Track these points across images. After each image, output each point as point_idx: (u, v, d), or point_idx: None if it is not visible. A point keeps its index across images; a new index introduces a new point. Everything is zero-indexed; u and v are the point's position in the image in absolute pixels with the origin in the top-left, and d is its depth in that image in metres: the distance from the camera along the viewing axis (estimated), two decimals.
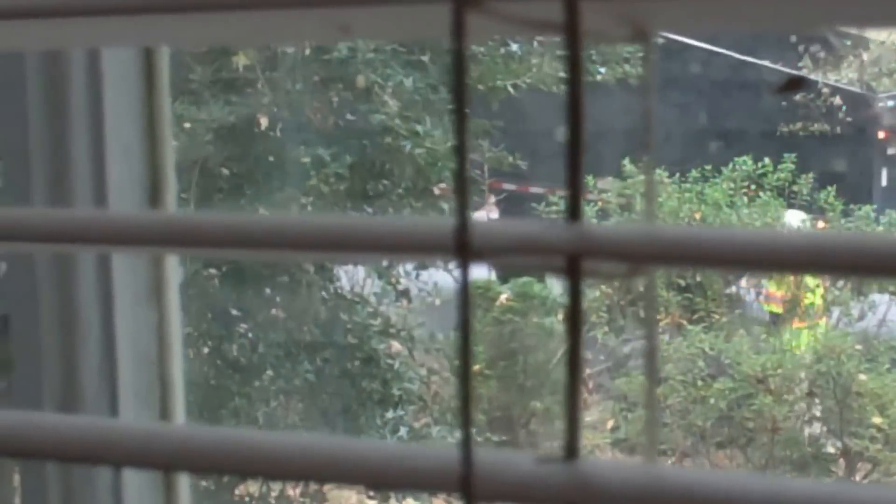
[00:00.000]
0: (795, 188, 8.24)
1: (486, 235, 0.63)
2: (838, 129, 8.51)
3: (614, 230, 0.63)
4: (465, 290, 0.65)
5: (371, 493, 6.99)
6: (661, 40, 8.32)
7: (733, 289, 8.41)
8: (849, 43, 9.12)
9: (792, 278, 7.55)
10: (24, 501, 1.23)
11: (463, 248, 0.63)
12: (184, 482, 1.22)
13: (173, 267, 1.22)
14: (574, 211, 0.62)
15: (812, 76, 8.74)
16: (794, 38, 9.21)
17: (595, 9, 0.62)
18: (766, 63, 8.85)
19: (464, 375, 0.64)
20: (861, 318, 8.10)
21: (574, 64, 0.62)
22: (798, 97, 8.51)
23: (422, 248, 0.67)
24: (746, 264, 0.62)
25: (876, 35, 9.23)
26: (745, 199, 8.15)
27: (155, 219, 0.74)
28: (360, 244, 0.67)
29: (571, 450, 0.62)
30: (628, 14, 0.64)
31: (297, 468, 0.67)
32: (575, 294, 0.63)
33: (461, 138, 0.64)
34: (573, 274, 0.63)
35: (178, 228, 0.71)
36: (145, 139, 1.19)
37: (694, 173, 8.34)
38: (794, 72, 8.41)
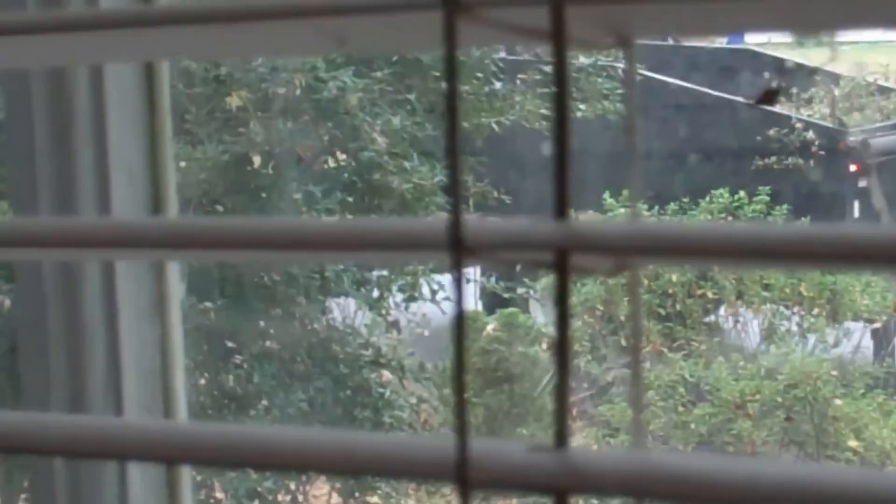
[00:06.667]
0: (770, 220, 8.38)
1: (478, 232, 0.64)
2: (811, 163, 8.64)
3: (601, 225, 0.65)
4: (460, 286, 0.67)
5: None
6: (639, 77, 8.52)
7: (712, 317, 8.56)
8: (819, 79, 9.29)
9: None
10: None
11: (457, 244, 0.64)
12: (186, 484, 1.24)
13: (175, 282, 1.23)
14: (562, 208, 0.63)
15: (786, 112, 8.90)
16: (767, 74, 9.42)
17: (580, 16, 0.63)
18: (740, 99, 9.01)
19: (458, 369, 0.65)
20: (836, 344, 8.23)
21: (560, 68, 0.63)
22: (772, 132, 8.67)
23: (417, 246, 0.67)
24: (732, 258, 0.63)
25: (847, 72, 9.42)
26: None
27: (155, 224, 0.78)
28: (357, 244, 0.68)
29: (561, 438, 0.63)
30: (612, 21, 0.65)
31: (298, 460, 0.68)
32: (563, 288, 0.64)
33: (453, 140, 0.65)
34: (561, 269, 0.63)
35: (180, 232, 0.72)
36: (148, 161, 1.20)
37: (673, 206, 8.53)
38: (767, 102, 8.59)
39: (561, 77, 0.64)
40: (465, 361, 0.67)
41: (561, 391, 0.64)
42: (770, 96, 6.77)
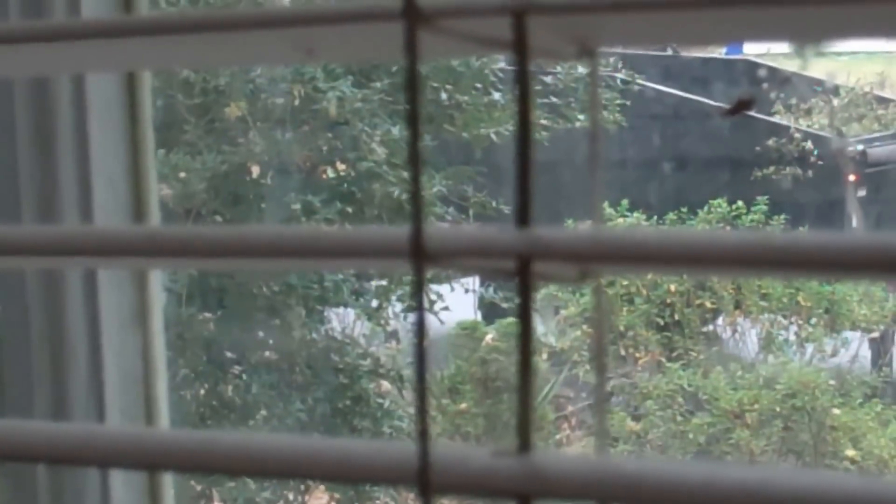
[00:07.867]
0: (768, 229, 8.41)
1: (440, 239, 0.65)
2: (810, 173, 8.65)
3: (565, 233, 0.64)
4: (420, 293, 0.68)
5: None
6: (636, 87, 8.54)
7: (710, 327, 8.57)
8: (819, 90, 9.31)
9: None
10: None
11: (418, 251, 0.64)
12: (168, 491, 1.25)
13: (157, 290, 1.23)
14: (524, 215, 0.64)
15: (785, 122, 8.91)
16: (766, 85, 9.43)
17: (543, 26, 0.63)
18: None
19: (420, 374, 0.66)
20: (834, 354, 8.24)
21: (522, 79, 0.64)
22: (771, 142, 8.68)
23: (379, 253, 0.68)
24: (697, 265, 0.63)
25: (846, 82, 9.44)
26: None
27: (136, 232, 0.78)
28: (320, 251, 0.68)
29: (525, 443, 0.63)
30: (575, 31, 0.65)
31: (262, 465, 0.68)
32: (526, 296, 0.64)
33: (415, 149, 0.66)
34: (524, 276, 0.63)
35: (159, 240, 0.72)
36: (129, 170, 1.20)
37: (671, 216, 8.54)
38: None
39: (523, 86, 0.64)
40: (427, 367, 0.67)
41: (524, 395, 0.64)
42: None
